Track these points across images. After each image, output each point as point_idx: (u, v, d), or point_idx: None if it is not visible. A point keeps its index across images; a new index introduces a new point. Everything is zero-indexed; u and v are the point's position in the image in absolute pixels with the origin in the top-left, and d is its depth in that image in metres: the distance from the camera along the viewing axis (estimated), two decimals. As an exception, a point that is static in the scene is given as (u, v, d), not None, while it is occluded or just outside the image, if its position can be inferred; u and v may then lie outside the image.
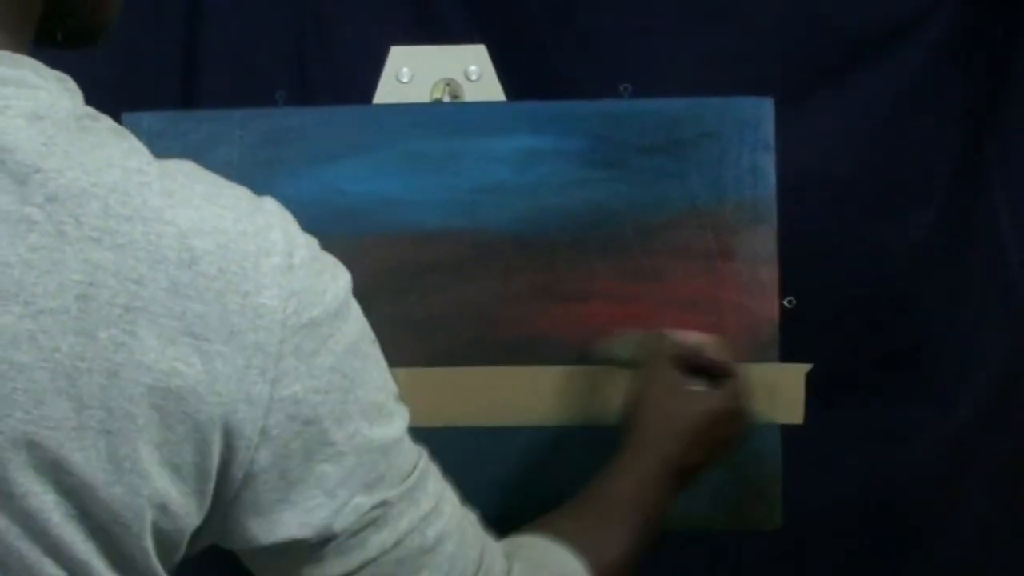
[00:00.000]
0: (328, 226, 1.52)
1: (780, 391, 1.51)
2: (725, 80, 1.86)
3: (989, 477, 1.98)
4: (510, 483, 1.52)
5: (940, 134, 1.94)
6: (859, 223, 1.92)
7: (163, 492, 0.90)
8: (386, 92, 1.63)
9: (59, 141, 0.89)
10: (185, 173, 0.94)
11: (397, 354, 1.51)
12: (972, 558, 1.98)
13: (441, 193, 1.55)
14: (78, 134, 0.91)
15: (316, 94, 1.93)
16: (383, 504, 0.99)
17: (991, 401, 1.97)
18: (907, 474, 1.95)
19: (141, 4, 1.95)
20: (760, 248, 1.53)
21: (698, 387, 1.40)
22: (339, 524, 0.97)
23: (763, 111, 1.55)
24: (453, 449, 1.42)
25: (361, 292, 1.52)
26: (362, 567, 1.00)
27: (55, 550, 0.89)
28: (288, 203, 1.56)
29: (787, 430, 1.52)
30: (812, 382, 1.52)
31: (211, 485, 0.92)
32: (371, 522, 0.99)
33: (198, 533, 0.95)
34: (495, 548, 1.11)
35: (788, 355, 1.52)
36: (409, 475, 1.02)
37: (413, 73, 1.63)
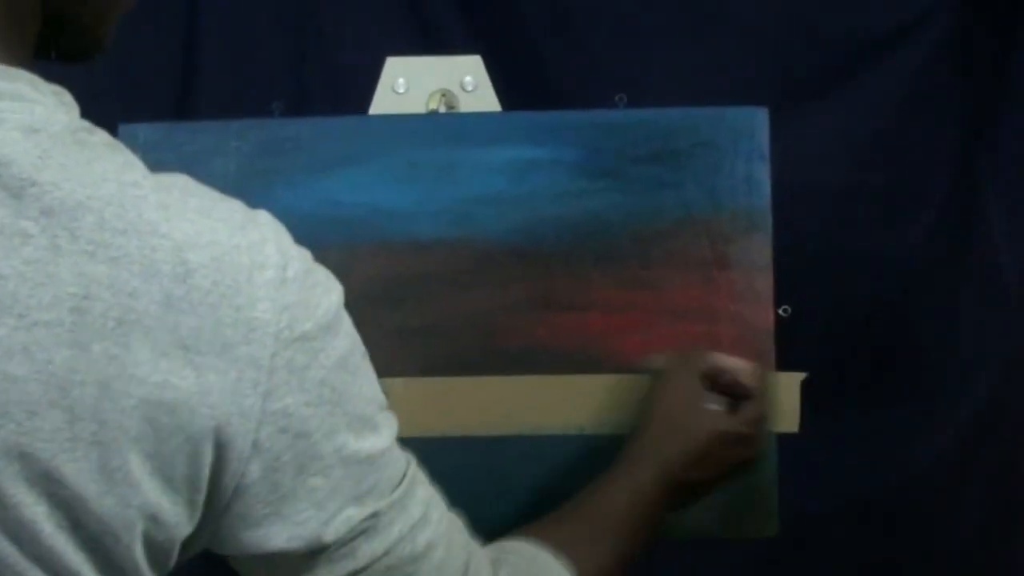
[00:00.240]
0: (325, 236, 1.53)
1: (776, 399, 1.51)
2: (720, 89, 1.87)
3: (986, 483, 1.98)
4: (507, 493, 1.52)
5: (935, 142, 1.94)
6: (854, 231, 1.93)
7: (154, 503, 0.91)
8: (382, 103, 1.63)
9: (54, 154, 0.90)
10: (180, 187, 0.94)
11: (394, 364, 1.52)
12: (970, 564, 1.98)
13: (437, 203, 1.55)
14: (73, 147, 0.91)
15: (312, 105, 1.94)
16: (374, 515, 1.00)
17: (987, 408, 1.98)
18: (904, 481, 1.95)
19: (138, 15, 1.95)
20: (755, 257, 1.53)
21: (715, 406, 1.40)
22: (329, 536, 0.98)
23: (758, 120, 1.55)
24: (449, 459, 1.42)
25: (357, 302, 1.52)
26: (353, 575, 1.01)
27: (46, 560, 0.89)
28: (285, 213, 1.56)
29: (783, 438, 1.52)
30: (808, 390, 1.52)
31: (202, 496, 0.93)
32: (362, 532, 1.00)
33: (189, 542, 0.95)
34: (481, 554, 1.11)
35: (784, 363, 1.52)
36: (399, 484, 1.02)
37: (409, 84, 1.63)
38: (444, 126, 1.59)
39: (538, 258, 1.55)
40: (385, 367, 1.52)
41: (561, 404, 1.52)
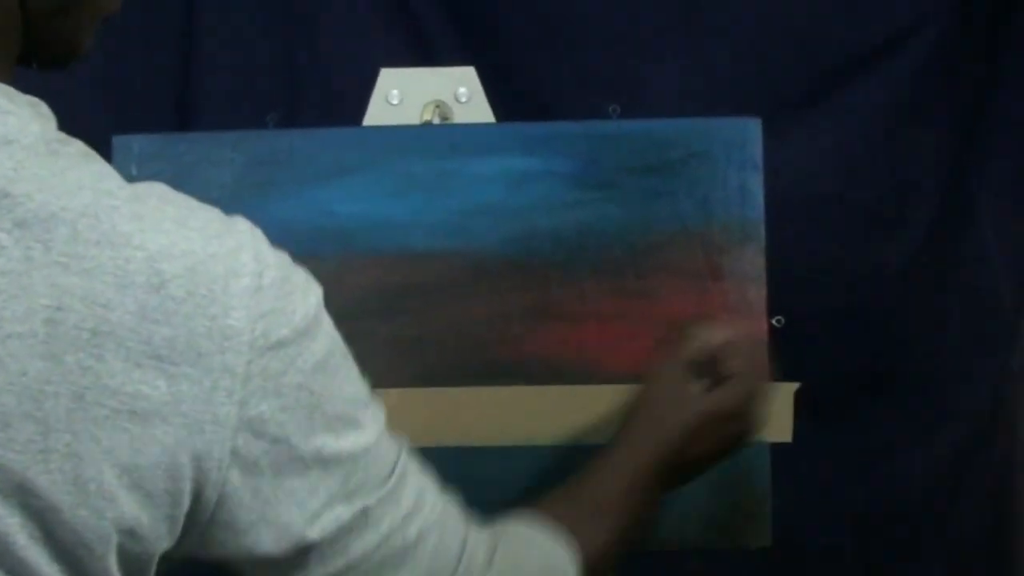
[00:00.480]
0: (319, 247, 1.53)
1: (769, 409, 1.51)
2: (713, 100, 1.87)
3: (977, 495, 1.98)
4: (501, 504, 1.51)
5: (926, 152, 1.95)
6: (847, 242, 1.93)
7: (131, 517, 0.91)
8: (376, 114, 1.63)
9: (28, 165, 0.90)
10: (156, 196, 0.94)
11: (388, 375, 1.52)
12: (961, 574, 1.99)
13: (431, 214, 1.55)
14: (48, 158, 0.91)
15: (307, 116, 1.94)
16: (363, 511, 1.00)
17: (979, 421, 1.98)
18: (896, 492, 1.95)
19: (133, 27, 1.96)
20: (748, 268, 1.53)
21: (699, 386, 1.40)
22: (315, 534, 0.98)
23: (751, 131, 1.55)
24: (444, 469, 1.42)
25: (352, 313, 1.53)
26: (345, 571, 1.01)
27: (20, 572, 0.89)
28: (279, 224, 1.56)
29: (776, 448, 1.52)
30: (801, 401, 1.52)
31: (183, 510, 0.93)
32: (352, 529, 1.00)
33: (170, 553, 0.95)
34: (477, 536, 1.11)
35: (777, 374, 1.52)
36: (389, 477, 1.02)
37: (403, 95, 1.64)
38: (438, 137, 1.59)
39: (532, 269, 1.55)
40: (380, 378, 1.53)
41: (556, 415, 1.52)
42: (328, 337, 0.99)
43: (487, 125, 1.63)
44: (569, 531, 1.20)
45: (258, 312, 0.93)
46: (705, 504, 1.52)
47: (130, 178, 1.51)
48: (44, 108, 0.97)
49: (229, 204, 1.52)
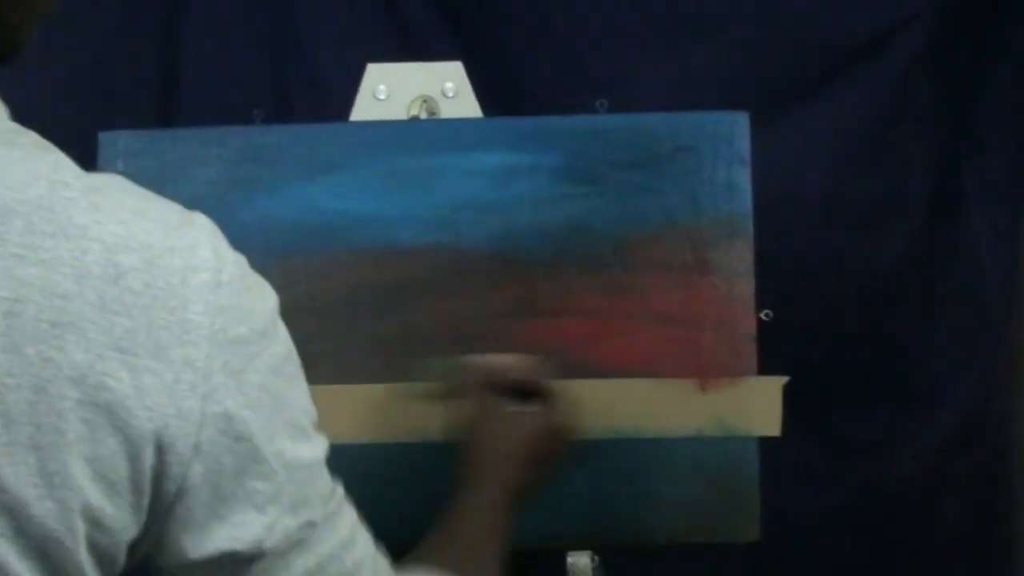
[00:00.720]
0: (306, 243, 1.53)
1: (758, 403, 1.51)
2: (701, 95, 1.87)
3: (967, 489, 1.98)
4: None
5: (916, 148, 1.95)
6: (836, 236, 1.93)
7: (96, 506, 0.90)
8: (363, 109, 1.63)
9: None
10: (114, 187, 0.94)
11: (375, 370, 1.52)
12: (950, 569, 1.99)
13: (419, 210, 1.55)
14: (1, 149, 0.91)
15: (293, 112, 1.94)
16: (309, 525, 1.00)
17: (969, 413, 1.98)
18: (885, 485, 1.95)
19: (118, 22, 1.95)
20: (737, 262, 1.53)
21: (514, 407, 1.41)
22: (269, 542, 0.98)
23: (738, 125, 1.55)
24: (432, 464, 1.43)
25: (339, 309, 1.53)
26: None
27: None
28: (266, 220, 1.57)
29: (765, 442, 1.52)
30: (790, 395, 1.52)
31: (146, 500, 0.92)
32: (297, 543, 0.99)
33: (136, 545, 0.95)
34: None
35: (765, 368, 1.52)
36: (330, 499, 1.02)
37: (390, 90, 1.63)
38: (425, 133, 1.59)
39: (520, 264, 1.55)
40: (366, 373, 1.53)
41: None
42: (284, 343, 0.99)
43: (474, 120, 1.62)
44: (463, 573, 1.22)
45: (217, 306, 0.93)
46: (694, 499, 1.52)
47: (117, 173, 1.52)
48: None
49: (215, 200, 1.53)
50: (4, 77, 0.97)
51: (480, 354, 1.47)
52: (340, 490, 1.05)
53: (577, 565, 1.54)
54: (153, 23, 1.96)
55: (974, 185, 1.96)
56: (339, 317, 1.53)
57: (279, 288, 1.44)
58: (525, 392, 1.43)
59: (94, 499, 0.90)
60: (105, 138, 1.53)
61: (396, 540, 1.15)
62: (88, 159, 1.48)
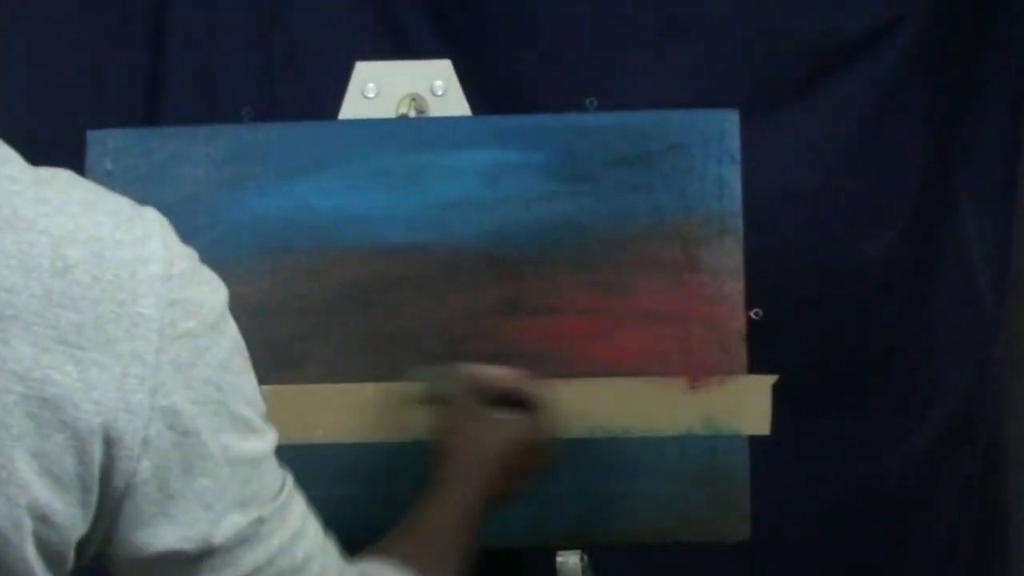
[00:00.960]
0: (295, 241, 1.53)
1: (747, 402, 1.51)
2: (691, 93, 1.87)
3: (958, 486, 1.98)
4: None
5: (907, 146, 1.95)
6: (827, 235, 1.93)
7: (43, 503, 0.90)
8: (352, 107, 1.63)
9: None
10: (62, 180, 0.94)
11: (365, 369, 1.52)
12: (942, 568, 1.99)
13: (408, 208, 1.55)
14: None
15: (282, 110, 1.93)
16: (258, 521, 0.99)
17: (960, 412, 1.98)
18: (876, 485, 1.96)
19: (106, 20, 1.95)
20: (726, 260, 1.53)
21: (500, 415, 1.42)
22: (217, 538, 0.97)
23: (728, 123, 1.55)
24: (421, 464, 1.42)
25: (328, 307, 1.53)
26: None
27: None
28: (255, 218, 1.56)
29: (755, 441, 1.52)
30: (780, 393, 1.52)
31: (94, 496, 0.92)
32: (246, 539, 0.99)
33: (86, 543, 0.94)
34: (352, 571, 1.11)
35: (755, 366, 1.52)
36: (279, 493, 1.02)
37: (379, 88, 1.63)
38: (414, 131, 1.59)
39: (509, 262, 1.55)
40: (356, 372, 1.52)
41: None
42: (234, 338, 0.98)
43: (463, 118, 1.62)
44: (423, 570, 1.21)
45: (167, 300, 0.92)
46: (683, 498, 1.52)
47: (106, 172, 1.51)
48: None
49: (204, 199, 1.53)
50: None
51: (470, 363, 1.47)
52: (290, 482, 1.04)
53: (567, 564, 1.54)
54: (142, 22, 1.96)
55: (965, 183, 1.96)
56: (328, 315, 1.53)
57: (268, 287, 1.44)
58: (512, 402, 1.43)
59: (41, 495, 0.90)
60: (93, 137, 1.52)
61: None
62: (77, 158, 1.48)
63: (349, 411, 1.51)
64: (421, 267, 1.54)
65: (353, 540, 1.14)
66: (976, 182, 1.96)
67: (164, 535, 0.95)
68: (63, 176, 0.94)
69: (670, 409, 1.52)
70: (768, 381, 1.52)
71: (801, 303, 1.87)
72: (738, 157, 1.54)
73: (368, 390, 1.52)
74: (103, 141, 1.53)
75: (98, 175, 1.50)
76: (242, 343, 0.99)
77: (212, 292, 0.97)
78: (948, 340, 1.96)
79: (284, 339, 1.51)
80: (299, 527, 1.04)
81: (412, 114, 1.63)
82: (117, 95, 1.95)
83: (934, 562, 1.98)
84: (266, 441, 1.01)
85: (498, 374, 1.46)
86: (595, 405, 1.51)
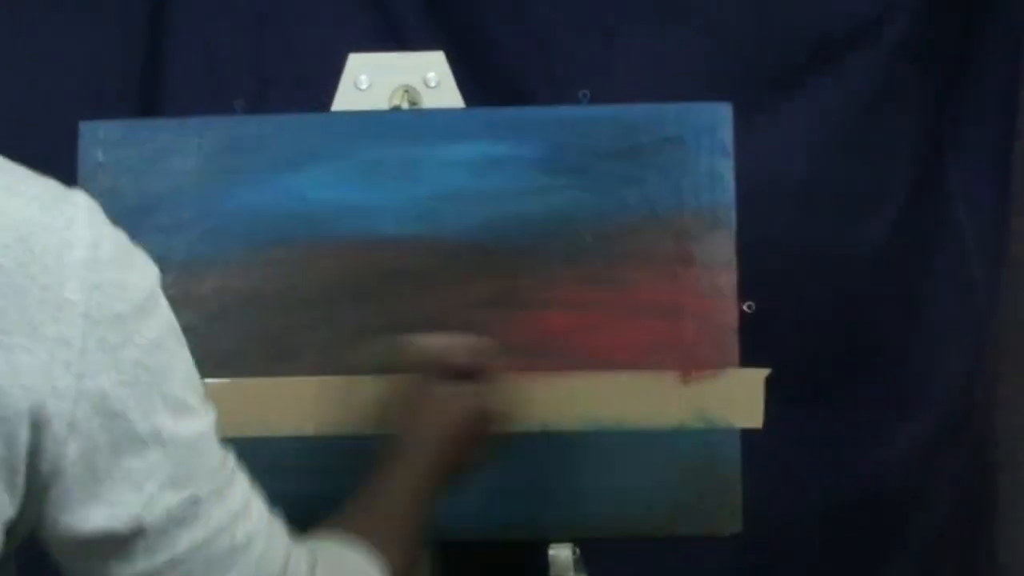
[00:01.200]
0: (287, 233, 1.52)
1: (740, 395, 1.51)
2: (683, 86, 1.87)
3: (951, 478, 1.99)
4: (482, 484, 1.51)
5: (900, 138, 1.95)
6: (820, 227, 1.93)
7: None
8: (345, 99, 1.63)
9: None
10: None
11: (356, 361, 1.52)
12: (935, 560, 1.99)
13: (400, 200, 1.55)
14: None
15: (275, 102, 1.93)
16: (193, 501, 0.99)
17: (953, 404, 1.98)
18: (869, 477, 1.96)
19: (101, 13, 1.95)
20: (719, 253, 1.53)
21: (450, 387, 1.40)
22: (148, 519, 0.97)
23: (721, 116, 1.55)
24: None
25: (320, 299, 1.52)
26: (172, 565, 1.00)
27: None
28: (247, 210, 1.56)
29: (747, 434, 1.52)
30: (772, 386, 1.52)
31: (21, 478, 0.92)
32: (181, 519, 0.99)
33: (14, 526, 0.94)
34: (300, 551, 1.11)
35: (748, 359, 1.52)
36: (218, 472, 1.02)
37: (372, 80, 1.63)
38: (407, 123, 1.58)
39: (501, 255, 1.54)
40: (348, 364, 1.52)
41: (525, 402, 1.52)
42: (165, 318, 0.98)
43: (456, 110, 1.62)
44: (375, 548, 1.21)
45: (92, 284, 0.92)
46: (675, 491, 1.52)
47: (97, 163, 1.51)
48: None
49: (196, 190, 1.53)
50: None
51: (419, 334, 1.45)
52: (231, 461, 1.04)
53: (558, 557, 1.54)
54: (135, 13, 1.96)
55: (958, 175, 1.96)
56: (320, 307, 1.53)
57: (260, 278, 1.43)
58: (464, 373, 1.41)
59: None
60: (85, 127, 1.52)
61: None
62: (69, 148, 1.48)
63: (341, 403, 1.51)
64: (413, 259, 1.54)
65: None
66: (969, 173, 1.96)
67: (94, 516, 0.95)
68: None
69: (662, 402, 1.52)
70: (761, 374, 1.52)
71: (794, 296, 1.87)
72: (731, 150, 1.54)
73: (363, 382, 1.52)
74: (95, 132, 1.52)
75: (90, 166, 1.49)
76: (175, 323, 0.99)
77: (141, 274, 0.97)
78: (941, 332, 1.96)
79: (276, 331, 1.51)
80: (240, 507, 1.03)
81: (405, 106, 1.63)
82: (110, 86, 1.95)
83: (929, 554, 1.99)
84: (203, 421, 1.01)
85: (448, 344, 1.43)
86: (587, 398, 1.51)
